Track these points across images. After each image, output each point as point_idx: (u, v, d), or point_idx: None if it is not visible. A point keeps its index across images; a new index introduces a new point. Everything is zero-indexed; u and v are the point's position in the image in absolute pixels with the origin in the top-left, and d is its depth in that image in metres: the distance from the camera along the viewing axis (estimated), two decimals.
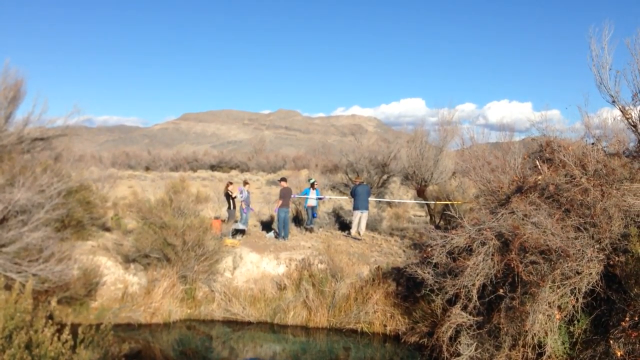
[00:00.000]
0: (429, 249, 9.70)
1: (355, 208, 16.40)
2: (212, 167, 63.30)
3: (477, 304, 8.66)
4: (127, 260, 12.84)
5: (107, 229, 15.64)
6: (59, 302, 10.66)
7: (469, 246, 9.05)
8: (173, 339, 11.32)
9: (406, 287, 11.60)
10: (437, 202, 17.88)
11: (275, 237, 16.35)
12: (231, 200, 17.57)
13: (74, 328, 5.57)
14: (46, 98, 11.58)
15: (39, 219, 9.52)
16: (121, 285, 12.48)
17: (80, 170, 15.14)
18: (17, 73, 11.27)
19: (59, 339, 5.14)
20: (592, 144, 9.88)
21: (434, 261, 9.48)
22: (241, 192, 17.09)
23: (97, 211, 15.07)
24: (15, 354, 4.64)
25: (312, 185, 17.67)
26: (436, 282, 9.39)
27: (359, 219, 16.31)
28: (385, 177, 24.43)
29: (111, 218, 16.92)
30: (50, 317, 5.68)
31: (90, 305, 11.69)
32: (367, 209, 16.34)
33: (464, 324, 8.85)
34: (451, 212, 10.81)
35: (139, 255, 12.68)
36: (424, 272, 9.70)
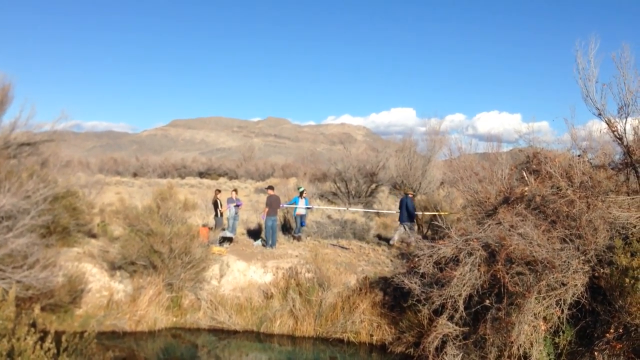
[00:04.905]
0: (416, 259, 9.72)
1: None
2: (201, 174, 63.13)
3: (464, 314, 8.69)
4: (113, 267, 12.74)
5: (93, 236, 15.52)
6: (43, 309, 10.57)
7: (455, 256, 9.08)
8: (158, 348, 11.23)
9: (393, 297, 11.60)
10: (425, 213, 17.91)
11: (263, 245, 16.31)
12: (218, 208, 17.53)
13: (58, 336, 5.52)
14: (34, 103, 11.56)
15: (24, 225, 9.44)
16: (106, 293, 12.38)
17: (67, 176, 15.09)
18: (4, 78, 11.25)
19: (41, 347, 5.09)
20: (579, 156, 9.96)
21: (420, 271, 9.49)
22: (229, 208, 17.11)
23: (83, 218, 14.97)
24: None
25: (301, 194, 17.67)
26: (423, 292, 9.40)
27: (398, 230, 16.50)
28: (373, 186, 24.50)
29: (97, 225, 16.79)
30: (34, 324, 5.63)
31: (75, 313, 11.57)
32: (405, 221, 16.15)
33: (450, 334, 8.86)
34: (439, 222, 10.85)
35: (125, 263, 12.59)
36: (411, 282, 9.71)
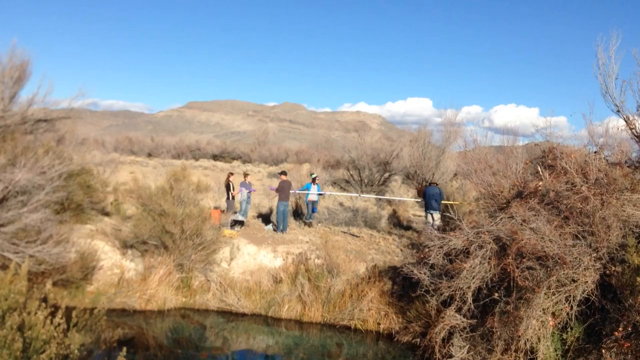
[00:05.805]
0: (427, 250, 9.71)
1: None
2: (214, 157, 63.33)
3: (472, 306, 8.67)
4: (125, 245, 12.85)
5: (107, 214, 15.65)
6: (54, 284, 10.69)
7: (466, 249, 9.05)
8: (167, 327, 11.34)
9: (402, 287, 11.61)
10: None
11: (274, 230, 16.37)
12: (230, 191, 17.58)
13: (69, 311, 5.58)
14: (51, 80, 11.61)
15: (38, 200, 9.53)
16: (118, 271, 12.50)
17: (83, 153, 15.17)
18: (23, 53, 11.27)
19: (51, 322, 5.15)
20: (595, 152, 9.86)
21: (430, 262, 9.48)
22: (240, 191, 17.13)
23: (97, 195, 15.08)
24: (6, 335, 4.64)
25: (314, 180, 17.68)
26: (432, 283, 9.40)
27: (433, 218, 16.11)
28: (386, 175, 24.43)
29: (111, 203, 16.93)
30: (45, 299, 5.70)
31: (86, 289, 11.70)
32: (436, 209, 15.85)
33: (457, 326, 8.86)
34: (450, 213, 10.80)
35: (136, 242, 12.70)
36: (420, 273, 9.71)
